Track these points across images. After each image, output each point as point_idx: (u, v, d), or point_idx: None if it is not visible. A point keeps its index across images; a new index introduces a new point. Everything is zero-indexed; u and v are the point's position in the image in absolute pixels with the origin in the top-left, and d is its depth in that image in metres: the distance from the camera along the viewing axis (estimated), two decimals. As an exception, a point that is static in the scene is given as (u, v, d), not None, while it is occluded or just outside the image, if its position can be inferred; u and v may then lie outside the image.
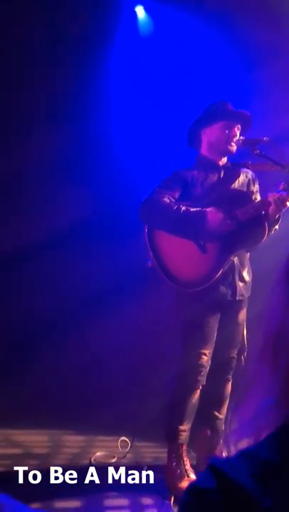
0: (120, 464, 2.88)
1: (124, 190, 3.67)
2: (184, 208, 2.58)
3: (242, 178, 2.75)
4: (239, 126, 2.68)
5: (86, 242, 3.69)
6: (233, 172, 2.74)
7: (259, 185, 2.83)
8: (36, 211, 3.78)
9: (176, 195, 2.66)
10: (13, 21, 3.70)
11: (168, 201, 2.62)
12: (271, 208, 2.48)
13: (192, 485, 0.58)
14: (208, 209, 2.56)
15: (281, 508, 0.51)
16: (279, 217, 2.57)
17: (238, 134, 2.67)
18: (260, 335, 0.69)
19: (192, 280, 2.58)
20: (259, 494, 0.51)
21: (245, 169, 2.76)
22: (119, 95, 3.89)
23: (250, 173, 2.79)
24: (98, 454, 3.00)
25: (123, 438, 3.10)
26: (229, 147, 2.67)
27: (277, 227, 2.64)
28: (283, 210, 2.49)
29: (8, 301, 3.72)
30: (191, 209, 2.58)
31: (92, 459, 2.94)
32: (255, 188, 2.81)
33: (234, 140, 2.66)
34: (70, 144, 3.73)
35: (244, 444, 0.63)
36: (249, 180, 2.78)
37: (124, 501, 2.46)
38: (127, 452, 2.97)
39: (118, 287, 3.58)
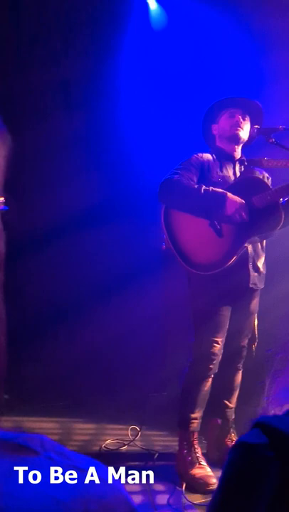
0: (130, 451, 2.91)
1: (138, 174, 3.67)
2: (204, 187, 2.57)
3: (256, 173, 2.77)
4: (245, 113, 2.70)
5: (98, 226, 3.69)
6: (247, 168, 2.75)
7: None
8: (50, 196, 3.78)
9: (194, 179, 2.66)
10: (25, 9, 3.70)
11: (187, 181, 2.62)
12: None
13: (240, 441, 0.57)
14: (229, 194, 2.55)
15: None
16: None
17: (242, 121, 2.69)
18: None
19: (206, 264, 2.57)
20: None
21: (258, 168, 2.77)
22: (130, 86, 3.89)
23: (263, 172, 2.81)
24: (108, 441, 3.02)
25: (133, 426, 3.12)
26: (235, 131, 2.69)
27: None
28: None
29: (19, 287, 3.73)
30: (213, 189, 2.57)
31: (103, 447, 2.96)
32: (269, 184, 2.80)
33: (240, 125, 2.69)
34: (82, 131, 3.75)
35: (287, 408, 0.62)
36: (263, 176, 2.79)
37: (135, 487, 2.46)
38: (137, 440, 2.98)
39: (132, 271, 3.57)
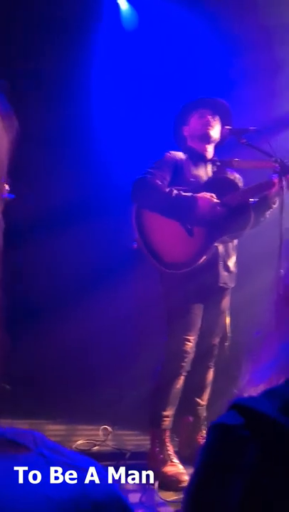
0: (102, 451, 2.89)
1: (108, 173, 3.66)
2: (175, 192, 2.61)
3: (228, 174, 2.81)
4: (214, 113, 2.75)
5: (68, 226, 3.65)
6: (219, 168, 2.79)
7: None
8: (17, 195, 3.71)
9: (168, 178, 2.69)
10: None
11: (160, 183, 2.65)
12: (275, 188, 2.51)
13: (216, 423, 0.56)
14: (200, 195, 2.59)
15: None
16: (276, 201, 2.61)
17: (212, 120, 2.74)
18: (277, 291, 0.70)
19: (177, 262, 2.61)
20: None
21: (229, 169, 2.82)
22: (102, 85, 3.88)
23: (234, 172, 2.85)
24: (79, 442, 3.00)
25: (104, 426, 3.10)
26: (206, 130, 2.73)
27: (267, 215, 2.69)
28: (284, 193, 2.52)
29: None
30: (183, 193, 2.61)
31: (74, 448, 2.94)
32: (240, 184, 2.85)
33: (210, 123, 2.73)
34: (52, 129, 3.71)
35: (262, 389, 0.63)
36: (235, 177, 2.83)
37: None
38: (109, 439, 2.97)
39: (104, 270, 3.56)
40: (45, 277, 3.76)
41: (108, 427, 3.06)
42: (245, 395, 0.65)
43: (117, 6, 4.01)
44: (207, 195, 2.59)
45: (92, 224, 3.66)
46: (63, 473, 0.53)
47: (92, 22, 3.89)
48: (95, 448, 2.94)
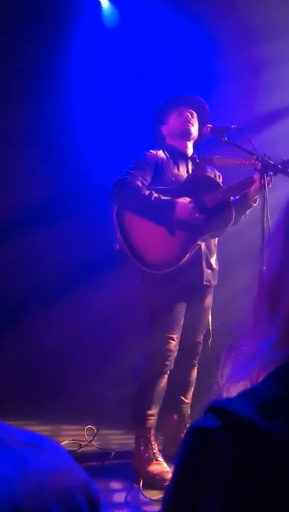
0: (87, 451, 2.88)
1: (89, 172, 3.65)
2: (155, 195, 2.60)
3: (208, 172, 2.82)
4: (192, 111, 2.77)
5: (49, 225, 3.63)
6: (199, 165, 2.80)
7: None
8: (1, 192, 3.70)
9: (148, 178, 2.69)
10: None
11: (140, 184, 2.64)
12: (255, 185, 2.52)
13: (193, 426, 0.55)
14: (179, 200, 2.59)
15: None
16: (256, 199, 2.63)
17: (191, 118, 2.76)
18: (255, 284, 0.70)
19: (159, 262, 2.60)
20: (267, 427, 0.50)
21: (209, 166, 2.82)
22: (83, 83, 3.86)
23: (215, 170, 2.87)
24: (64, 442, 2.98)
25: (89, 426, 3.09)
26: (186, 127, 2.75)
27: (248, 212, 2.70)
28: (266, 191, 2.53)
29: None
30: (162, 197, 2.61)
31: (58, 448, 2.91)
32: (220, 182, 2.86)
33: (189, 121, 2.75)
34: (33, 127, 3.69)
35: (241, 388, 0.62)
36: (214, 175, 2.85)
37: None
38: (94, 440, 2.95)
39: (86, 270, 3.54)
40: (27, 276, 3.73)
41: (93, 427, 3.05)
42: (225, 392, 0.65)
43: (98, 3, 3.99)
44: (184, 198, 2.60)
45: (74, 223, 3.64)
46: (20, 453, 0.53)
47: (73, 20, 3.87)
48: (80, 449, 2.92)
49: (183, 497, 0.53)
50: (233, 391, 0.62)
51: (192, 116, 2.77)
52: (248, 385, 0.61)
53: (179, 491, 0.54)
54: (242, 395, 0.56)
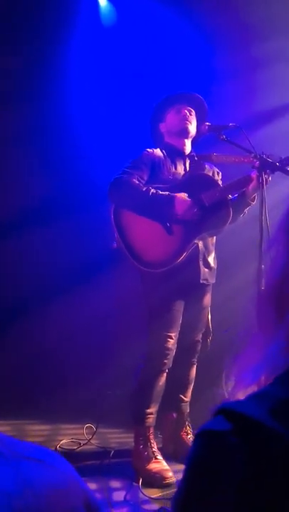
0: (86, 450, 2.88)
1: (87, 171, 3.64)
2: (153, 191, 2.60)
3: (206, 169, 2.81)
4: (190, 108, 2.76)
5: (47, 224, 3.62)
6: (198, 164, 2.80)
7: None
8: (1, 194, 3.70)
9: (145, 177, 2.68)
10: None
11: (137, 182, 2.63)
12: (253, 184, 2.52)
13: (203, 430, 0.54)
14: (177, 194, 2.59)
15: None
16: (254, 198, 2.62)
17: (190, 115, 2.75)
18: (258, 290, 0.70)
19: (157, 261, 2.60)
20: (279, 429, 0.50)
21: (208, 163, 2.82)
22: (80, 82, 3.85)
23: (213, 167, 2.86)
24: (63, 441, 2.98)
25: (88, 424, 3.09)
26: (184, 125, 2.74)
27: (246, 211, 2.70)
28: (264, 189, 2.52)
29: None
30: (160, 192, 2.60)
31: (58, 447, 2.92)
32: (219, 179, 2.86)
33: (187, 118, 2.74)
34: (31, 127, 3.68)
35: (249, 392, 0.62)
36: (213, 172, 2.84)
37: (92, 485, 2.45)
38: (93, 438, 2.95)
39: (84, 270, 3.54)
40: (26, 276, 3.72)
41: (92, 426, 3.05)
42: (234, 397, 0.64)
43: (95, 2, 3.99)
44: (182, 193, 2.59)
45: (71, 222, 3.64)
46: (18, 466, 0.53)
47: (71, 18, 3.86)
48: (79, 447, 2.92)
49: (193, 501, 0.53)
50: (241, 395, 0.62)
51: (190, 114, 2.76)
52: (256, 389, 0.61)
53: (189, 495, 0.54)
54: (252, 398, 0.56)
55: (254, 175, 2.49)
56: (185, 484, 0.55)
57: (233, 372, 0.68)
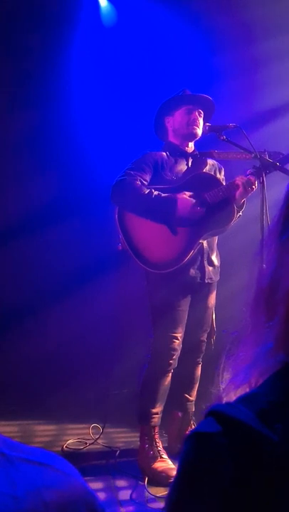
0: (92, 450, 2.91)
1: (92, 172, 3.66)
2: (155, 193, 2.61)
3: (208, 167, 2.81)
4: (200, 110, 2.74)
5: (53, 226, 3.64)
6: (200, 161, 2.79)
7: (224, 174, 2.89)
8: (1, 196, 3.72)
9: (147, 178, 2.68)
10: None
11: (139, 184, 2.64)
12: (239, 191, 2.52)
13: (193, 432, 0.55)
14: (179, 195, 2.59)
15: None
16: (244, 203, 2.63)
17: (199, 118, 2.74)
18: (252, 289, 0.70)
19: (162, 262, 2.60)
20: (266, 432, 0.51)
21: (210, 160, 2.82)
22: (82, 83, 3.86)
23: (216, 163, 2.86)
24: (70, 441, 3.00)
25: (94, 424, 3.11)
26: (192, 130, 2.72)
27: (241, 213, 2.70)
28: (249, 195, 2.55)
29: None
30: (162, 194, 2.61)
31: (64, 447, 2.94)
32: (222, 176, 2.86)
33: (196, 123, 2.72)
34: (34, 129, 3.69)
35: (240, 392, 0.63)
36: (215, 169, 2.84)
37: (99, 484, 2.47)
38: (99, 438, 2.97)
39: (89, 270, 3.56)
40: (31, 277, 3.75)
41: (98, 425, 3.07)
42: (225, 397, 0.66)
43: (96, 2, 3.99)
44: (186, 194, 2.60)
45: (76, 224, 3.66)
46: (25, 470, 0.54)
47: (71, 18, 3.87)
48: (85, 447, 2.94)
49: (183, 501, 0.54)
50: (233, 395, 0.63)
51: (200, 116, 2.73)
52: (247, 389, 0.62)
53: (180, 495, 0.55)
54: (241, 400, 0.57)
55: (239, 181, 2.49)
56: (176, 484, 0.56)
57: (226, 372, 0.69)
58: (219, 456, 0.52)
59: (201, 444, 0.54)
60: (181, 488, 0.55)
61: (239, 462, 0.51)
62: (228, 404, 0.58)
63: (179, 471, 0.56)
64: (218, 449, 0.52)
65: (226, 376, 0.69)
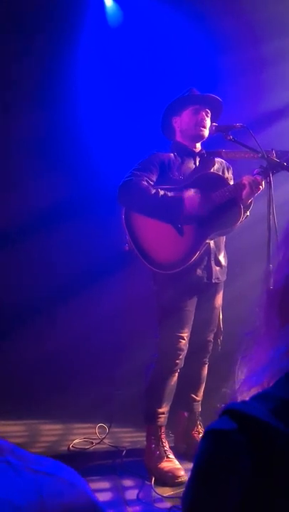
0: (99, 449, 2.91)
1: (99, 173, 3.66)
2: (162, 193, 2.61)
3: (216, 166, 2.80)
4: (208, 110, 2.73)
5: (60, 227, 3.64)
6: (208, 160, 2.79)
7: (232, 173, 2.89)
8: (8, 196, 3.73)
9: (154, 178, 2.68)
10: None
11: (146, 184, 2.64)
12: (245, 191, 2.52)
13: (209, 429, 0.56)
14: (186, 195, 2.59)
15: None
16: (251, 202, 2.62)
17: (206, 118, 2.72)
18: (265, 292, 0.71)
19: (169, 262, 2.60)
20: (282, 428, 0.52)
21: (218, 158, 2.81)
22: (88, 83, 3.87)
23: (224, 162, 2.85)
24: (76, 441, 3.01)
25: (101, 424, 3.12)
26: (199, 131, 2.72)
27: (248, 213, 2.69)
28: (256, 194, 2.54)
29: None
30: (169, 194, 2.61)
31: (71, 447, 2.95)
32: (229, 175, 2.85)
33: (204, 124, 2.71)
34: (40, 129, 3.70)
35: (253, 392, 0.64)
36: (223, 168, 2.83)
37: (105, 484, 2.48)
38: (105, 438, 2.98)
39: (95, 271, 3.56)
40: (36, 278, 3.76)
41: (105, 425, 3.07)
42: (239, 397, 0.66)
43: (102, 2, 4.00)
44: (191, 192, 2.59)
45: (82, 224, 3.66)
46: (29, 479, 0.54)
47: (77, 19, 3.88)
48: (91, 446, 2.95)
49: (202, 499, 0.55)
50: (246, 396, 0.64)
51: (207, 116, 2.72)
52: (260, 390, 0.63)
53: (198, 494, 0.55)
54: (255, 398, 0.58)
55: (246, 181, 2.48)
56: (193, 482, 0.56)
57: (240, 371, 0.70)
58: (237, 453, 0.53)
59: (218, 442, 0.55)
60: (199, 486, 0.56)
61: (257, 458, 0.52)
62: (242, 402, 0.59)
63: (196, 468, 0.57)
64: (235, 446, 0.53)
65: (240, 376, 0.70)
